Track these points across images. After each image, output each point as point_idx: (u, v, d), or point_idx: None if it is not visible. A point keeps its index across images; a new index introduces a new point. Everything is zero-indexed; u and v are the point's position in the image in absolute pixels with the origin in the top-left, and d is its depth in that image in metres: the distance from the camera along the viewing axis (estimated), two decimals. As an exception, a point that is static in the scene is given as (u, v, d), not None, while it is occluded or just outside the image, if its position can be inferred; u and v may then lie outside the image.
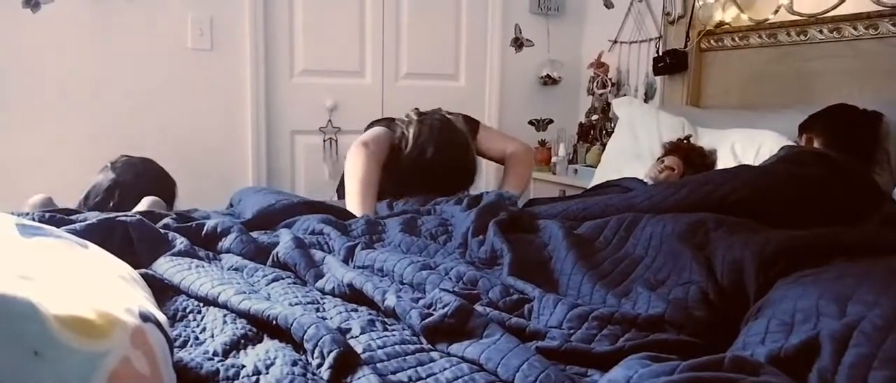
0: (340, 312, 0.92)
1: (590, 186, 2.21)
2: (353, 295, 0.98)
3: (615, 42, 3.21)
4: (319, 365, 0.72)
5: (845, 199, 1.37)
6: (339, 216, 1.53)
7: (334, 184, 2.72)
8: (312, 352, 0.74)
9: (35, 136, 2.41)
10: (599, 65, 3.25)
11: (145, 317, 0.56)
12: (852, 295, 0.76)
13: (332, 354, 0.71)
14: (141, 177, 1.89)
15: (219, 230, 1.29)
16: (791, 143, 1.99)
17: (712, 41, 2.73)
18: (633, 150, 2.55)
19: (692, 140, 2.31)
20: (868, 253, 0.99)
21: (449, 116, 2.00)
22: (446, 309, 0.85)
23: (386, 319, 0.90)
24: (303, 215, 1.50)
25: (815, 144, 1.89)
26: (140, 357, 0.52)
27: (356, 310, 0.94)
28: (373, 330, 0.84)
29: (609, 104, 3.13)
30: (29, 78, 2.39)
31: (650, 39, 3.03)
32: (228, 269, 1.12)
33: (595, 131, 3.23)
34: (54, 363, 0.46)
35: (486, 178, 3.11)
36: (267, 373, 0.69)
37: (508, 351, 0.77)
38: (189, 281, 0.97)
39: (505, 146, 2.15)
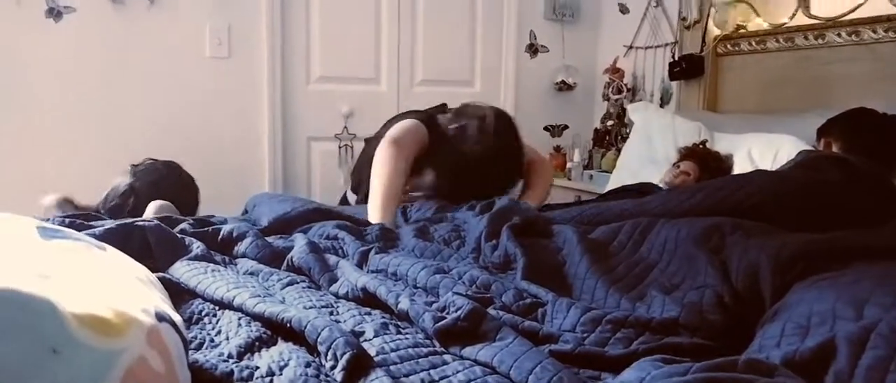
0: (354, 316, 0.92)
1: (604, 191, 2.20)
2: (367, 299, 0.99)
3: (630, 47, 3.20)
4: (333, 367, 0.72)
5: (864, 204, 1.36)
6: (354, 223, 1.53)
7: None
8: (326, 354, 0.74)
9: (57, 143, 2.46)
10: (615, 70, 3.24)
11: (161, 317, 0.56)
12: (869, 299, 0.76)
13: (346, 356, 0.72)
14: (159, 183, 1.91)
15: (234, 235, 1.30)
16: (809, 148, 1.97)
17: (729, 45, 2.71)
18: (649, 156, 2.53)
19: (708, 145, 2.29)
20: (886, 256, 0.98)
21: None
22: (459, 312, 0.85)
23: (399, 322, 0.91)
24: (318, 222, 1.51)
25: (834, 149, 1.86)
26: (155, 356, 0.52)
27: (369, 314, 0.94)
28: (386, 333, 0.85)
29: (624, 110, 3.12)
30: (51, 86, 2.43)
31: (666, 44, 3.02)
32: (244, 273, 1.13)
33: (610, 137, 3.22)
34: (71, 360, 0.46)
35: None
36: (280, 374, 0.70)
37: (521, 353, 0.77)
38: (205, 284, 0.98)
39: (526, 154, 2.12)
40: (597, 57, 3.42)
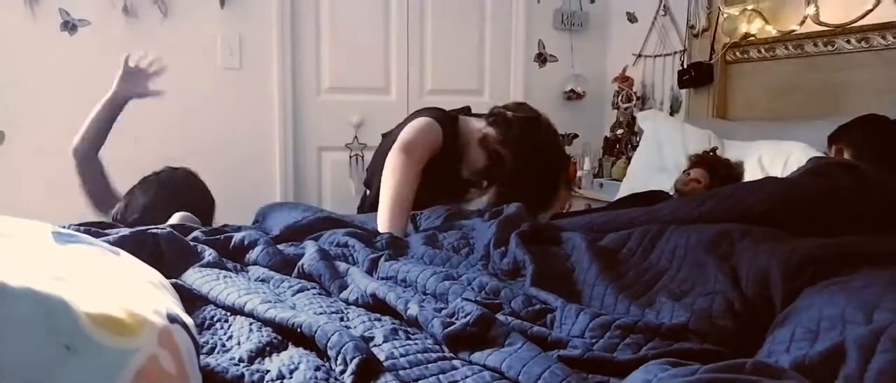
0: (364, 321, 0.93)
1: (614, 199, 2.20)
2: (377, 305, 0.99)
3: (639, 56, 3.20)
4: (342, 372, 0.73)
5: (874, 210, 1.35)
6: (364, 232, 1.53)
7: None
8: (335, 359, 0.75)
9: (71, 156, 2.48)
10: (624, 79, 3.25)
11: (173, 319, 0.57)
12: (879, 303, 0.75)
13: (355, 361, 0.72)
14: (180, 194, 1.88)
15: (246, 242, 1.31)
16: (820, 155, 1.96)
17: (738, 53, 2.71)
18: (659, 164, 2.53)
19: (718, 152, 2.29)
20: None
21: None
22: (468, 317, 0.85)
23: (408, 328, 0.91)
24: (328, 230, 1.52)
25: (845, 155, 1.86)
26: (167, 356, 0.53)
27: (379, 320, 0.94)
28: (395, 339, 0.85)
29: (634, 118, 3.12)
30: (66, 97, 2.46)
31: (675, 52, 3.02)
32: (255, 280, 1.14)
33: (620, 145, 3.22)
34: (85, 358, 0.47)
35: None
36: (290, 378, 0.70)
37: (530, 359, 0.77)
38: (217, 290, 0.99)
39: None
40: (606, 65, 3.42)
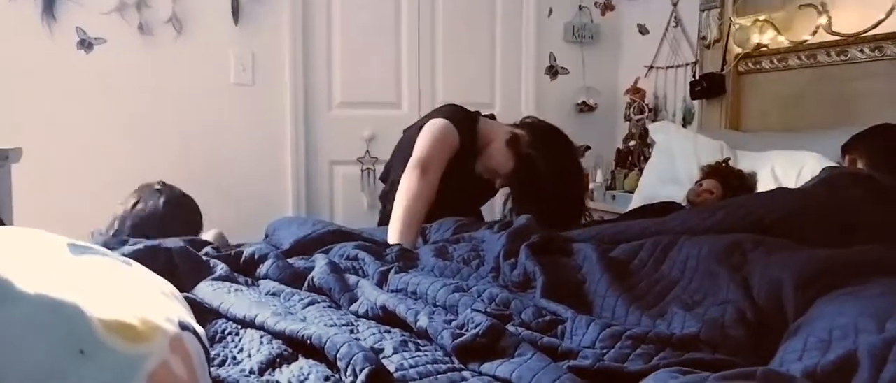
0: (374, 333, 0.93)
1: (627, 211, 2.20)
2: (387, 318, 1.00)
3: (651, 67, 3.20)
4: (352, 382, 0.73)
5: (887, 219, 1.34)
6: (374, 245, 1.54)
7: (373, 214, 2.76)
8: (345, 370, 0.75)
9: (88, 171, 2.52)
10: (636, 91, 3.25)
11: (184, 327, 0.58)
12: (892, 312, 0.74)
13: (365, 371, 0.73)
14: (163, 219, 1.86)
15: (256, 256, 1.32)
16: (834, 165, 1.95)
17: (750, 64, 2.70)
18: (671, 175, 2.52)
19: (731, 163, 2.28)
20: (911, 271, 0.96)
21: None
22: (478, 328, 0.85)
23: (418, 340, 0.91)
24: (338, 243, 1.53)
25: (859, 165, 1.84)
26: (178, 362, 0.54)
27: (389, 332, 0.95)
28: (405, 350, 0.85)
29: (646, 130, 3.12)
30: (83, 115, 2.50)
31: (686, 64, 3.02)
32: (266, 294, 1.14)
33: (633, 157, 3.21)
34: (98, 362, 0.48)
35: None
36: (300, 389, 0.71)
37: (540, 369, 0.77)
38: (228, 303, 1.00)
39: None
40: (617, 78, 3.42)
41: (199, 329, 0.64)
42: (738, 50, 2.70)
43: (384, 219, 1.95)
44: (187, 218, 1.92)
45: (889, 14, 2.16)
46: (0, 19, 2.37)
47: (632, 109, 3.24)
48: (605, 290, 1.10)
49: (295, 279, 1.23)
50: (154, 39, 2.57)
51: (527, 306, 1.01)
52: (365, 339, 0.91)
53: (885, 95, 2.21)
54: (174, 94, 2.63)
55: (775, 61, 2.60)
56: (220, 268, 1.21)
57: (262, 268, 1.29)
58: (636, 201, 2.57)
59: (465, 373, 0.80)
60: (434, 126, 1.89)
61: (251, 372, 0.77)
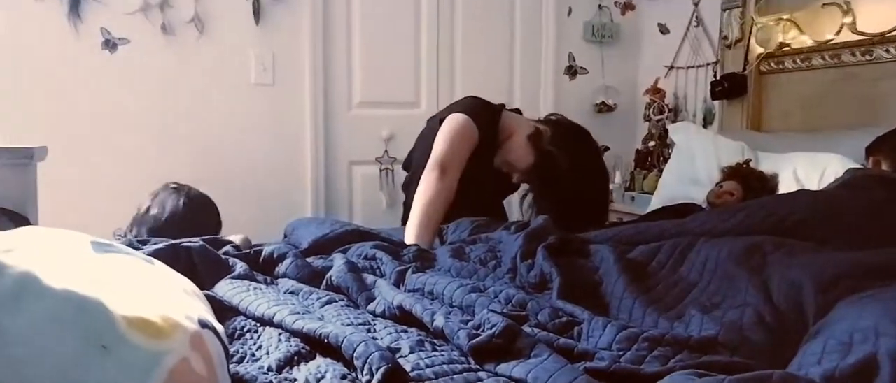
0: (390, 332, 0.94)
1: (646, 212, 2.18)
2: (403, 317, 1.00)
3: (671, 67, 3.18)
4: (368, 381, 0.73)
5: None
6: (392, 245, 1.55)
7: (391, 214, 2.77)
8: (362, 369, 0.76)
9: (111, 170, 2.56)
10: (656, 91, 3.22)
11: (204, 324, 0.59)
12: (915, 316, 0.74)
13: (381, 370, 0.73)
14: (183, 219, 1.88)
15: (275, 255, 1.34)
16: (857, 166, 1.92)
17: (772, 63, 2.67)
18: (691, 176, 2.50)
19: (752, 164, 2.25)
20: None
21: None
22: (494, 329, 0.86)
23: (435, 340, 0.91)
24: (356, 243, 1.54)
25: (883, 167, 1.81)
26: (198, 359, 0.55)
27: (406, 331, 0.95)
28: (422, 350, 0.86)
29: (666, 130, 3.09)
30: (107, 114, 2.54)
31: (707, 64, 2.99)
32: (284, 292, 1.16)
33: (652, 158, 3.19)
34: (120, 357, 0.50)
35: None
36: (317, 386, 0.72)
37: (556, 370, 0.77)
38: (247, 302, 1.01)
39: None
40: (637, 77, 3.40)
41: (219, 326, 0.65)
42: (760, 49, 2.67)
43: (406, 211, 1.95)
44: (206, 217, 1.95)
45: (916, 13, 2.13)
46: (27, 20, 2.41)
47: (651, 110, 3.22)
48: (622, 292, 1.10)
49: (313, 278, 1.24)
50: (176, 39, 2.60)
51: (543, 307, 1.01)
52: (382, 338, 0.92)
53: (911, 96, 2.17)
54: (196, 93, 2.66)
55: (798, 61, 2.57)
56: (240, 266, 1.22)
57: (281, 267, 1.30)
58: (655, 202, 2.55)
59: (481, 374, 0.81)
60: (453, 122, 1.88)
61: (269, 369, 0.78)
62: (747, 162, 2.26)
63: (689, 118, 3.08)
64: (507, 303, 1.04)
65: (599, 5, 3.30)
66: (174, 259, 1.16)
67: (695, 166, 2.53)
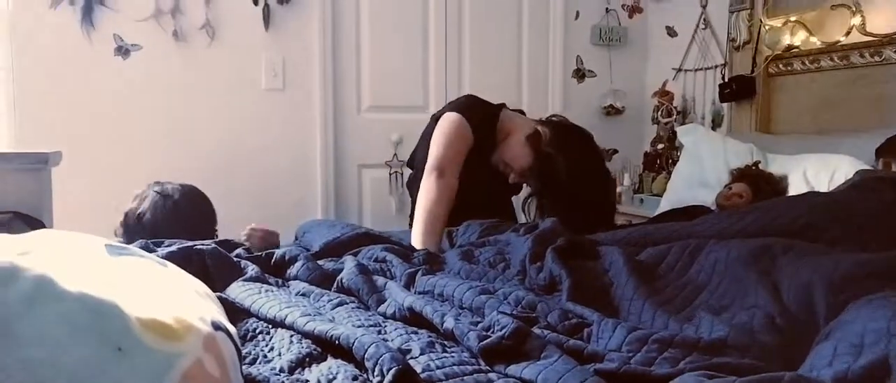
0: (401, 334, 0.94)
1: (654, 215, 2.18)
2: (414, 319, 1.01)
3: (679, 70, 3.17)
4: (379, 382, 0.74)
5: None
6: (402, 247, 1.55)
7: (401, 216, 2.78)
8: (373, 370, 0.76)
9: (125, 175, 2.58)
10: (664, 93, 3.22)
11: (217, 326, 0.60)
12: (926, 317, 0.73)
13: (392, 371, 0.74)
14: (177, 211, 1.89)
15: (287, 258, 1.35)
16: (867, 168, 1.91)
17: (781, 65, 2.67)
18: (699, 178, 2.50)
19: (761, 166, 2.25)
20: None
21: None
22: (504, 331, 0.86)
23: (445, 341, 0.92)
24: (367, 246, 1.55)
25: (894, 168, 1.81)
26: (211, 360, 0.56)
27: (416, 333, 0.96)
28: (432, 351, 0.86)
29: (674, 133, 3.08)
30: (119, 120, 2.57)
31: (715, 66, 2.99)
32: (296, 294, 1.17)
33: (661, 160, 3.18)
34: (134, 359, 0.51)
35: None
36: (329, 388, 0.72)
37: (566, 372, 0.77)
38: (259, 304, 1.02)
39: None
40: (645, 80, 3.40)
41: (232, 328, 0.66)
42: (769, 51, 2.67)
43: (413, 208, 1.95)
44: (199, 209, 1.96)
45: (926, 14, 2.12)
46: (42, 26, 2.44)
47: (660, 112, 3.21)
48: (631, 294, 1.10)
49: (324, 280, 1.25)
50: (188, 45, 2.62)
51: (553, 309, 1.01)
52: (392, 340, 0.92)
53: (922, 97, 2.16)
54: (207, 98, 2.68)
55: (807, 63, 2.56)
56: (252, 268, 1.24)
57: (293, 270, 1.31)
58: (664, 205, 2.55)
59: (491, 375, 0.81)
60: (445, 122, 1.89)
61: (281, 370, 0.79)
62: (756, 164, 2.26)
63: (697, 120, 3.08)
64: (516, 305, 1.04)
65: (607, 8, 3.30)
66: (187, 261, 1.18)
67: (703, 168, 2.53)
